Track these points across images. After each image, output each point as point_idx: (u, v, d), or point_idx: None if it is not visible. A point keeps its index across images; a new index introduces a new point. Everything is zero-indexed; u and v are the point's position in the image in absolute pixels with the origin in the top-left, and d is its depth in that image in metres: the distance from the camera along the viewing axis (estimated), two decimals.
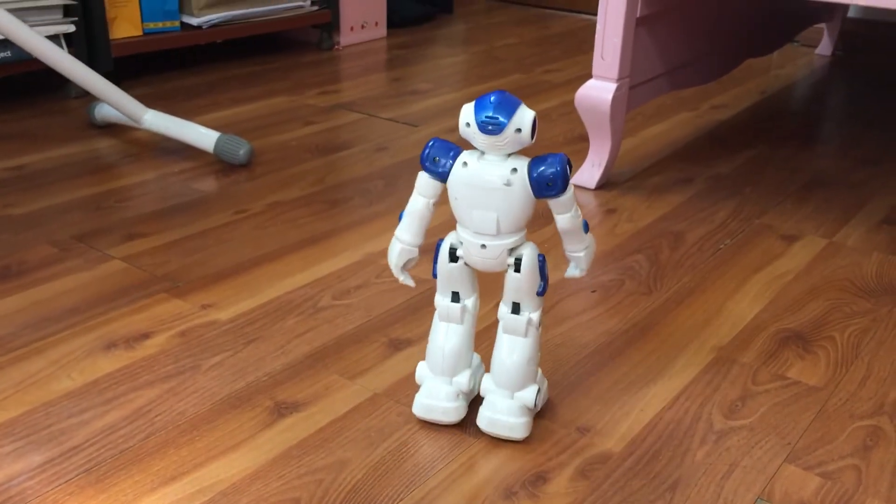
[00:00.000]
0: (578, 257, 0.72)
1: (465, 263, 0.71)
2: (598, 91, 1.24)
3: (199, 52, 2.06)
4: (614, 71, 1.23)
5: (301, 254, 1.07)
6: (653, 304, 0.97)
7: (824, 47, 2.14)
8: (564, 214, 0.69)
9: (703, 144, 1.49)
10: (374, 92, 1.78)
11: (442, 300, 0.74)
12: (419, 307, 0.95)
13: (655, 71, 1.35)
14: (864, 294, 0.99)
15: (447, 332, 0.74)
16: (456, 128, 1.56)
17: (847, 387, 0.82)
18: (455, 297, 0.73)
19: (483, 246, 0.69)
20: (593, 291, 0.99)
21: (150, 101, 1.65)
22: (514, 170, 0.67)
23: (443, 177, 0.69)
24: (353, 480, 0.69)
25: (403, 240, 0.72)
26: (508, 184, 0.66)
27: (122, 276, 1.00)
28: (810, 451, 0.73)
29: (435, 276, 0.73)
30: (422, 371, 0.76)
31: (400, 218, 0.72)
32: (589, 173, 1.30)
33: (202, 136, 1.36)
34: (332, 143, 1.47)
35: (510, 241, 0.69)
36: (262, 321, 0.91)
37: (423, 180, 0.70)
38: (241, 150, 1.34)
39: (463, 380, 0.74)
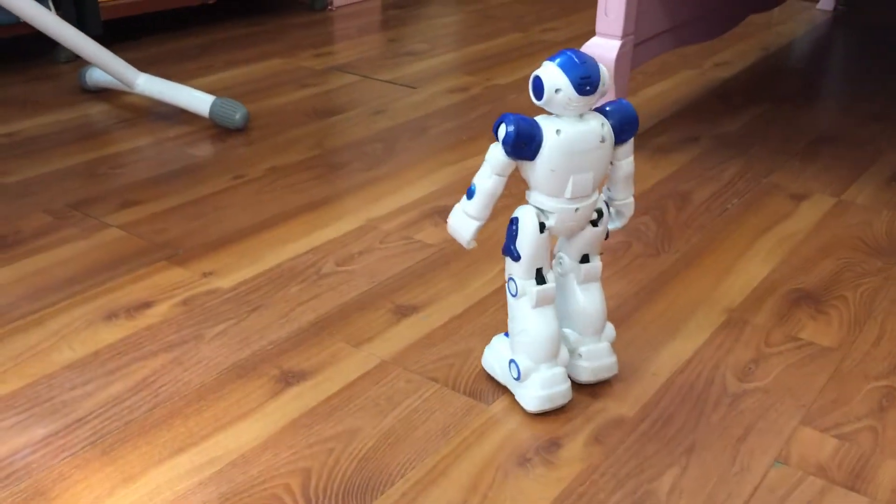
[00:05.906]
0: (628, 203, 0.73)
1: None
2: (602, 49, 1.22)
3: (191, 13, 2.02)
4: (618, 28, 1.20)
5: (302, 219, 1.05)
6: (661, 265, 0.95)
7: (826, 2, 2.10)
8: (629, 157, 0.70)
9: (707, 103, 1.47)
10: (370, 53, 1.75)
11: (531, 284, 0.70)
12: (424, 272, 0.93)
13: (659, 27, 1.32)
14: (875, 253, 0.98)
15: (545, 317, 0.70)
16: (456, 89, 1.53)
17: (861, 347, 0.81)
18: (539, 275, 0.70)
19: (576, 209, 0.68)
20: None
21: (141, 65, 1.62)
22: (602, 125, 0.66)
23: (533, 154, 0.66)
24: (364, 449, 0.68)
25: (480, 217, 0.69)
26: (603, 140, 0.66)
27: (121, 245, 0.98)
28: (826, 413, 0.72)
29: (515, 256, 0.69)
30: (526, 364, 0.71)
31: (470, 195, 0.68)
32: None
33: (197, 100, 1.33)
34: (329, 107, 1.44)
35: (596, 196, 0.70)
36: (265, 289, 0.90)
37: (503, 161, 0.66)
38: (237, 113, 1.31)
39: (564, 354, 0.72)
